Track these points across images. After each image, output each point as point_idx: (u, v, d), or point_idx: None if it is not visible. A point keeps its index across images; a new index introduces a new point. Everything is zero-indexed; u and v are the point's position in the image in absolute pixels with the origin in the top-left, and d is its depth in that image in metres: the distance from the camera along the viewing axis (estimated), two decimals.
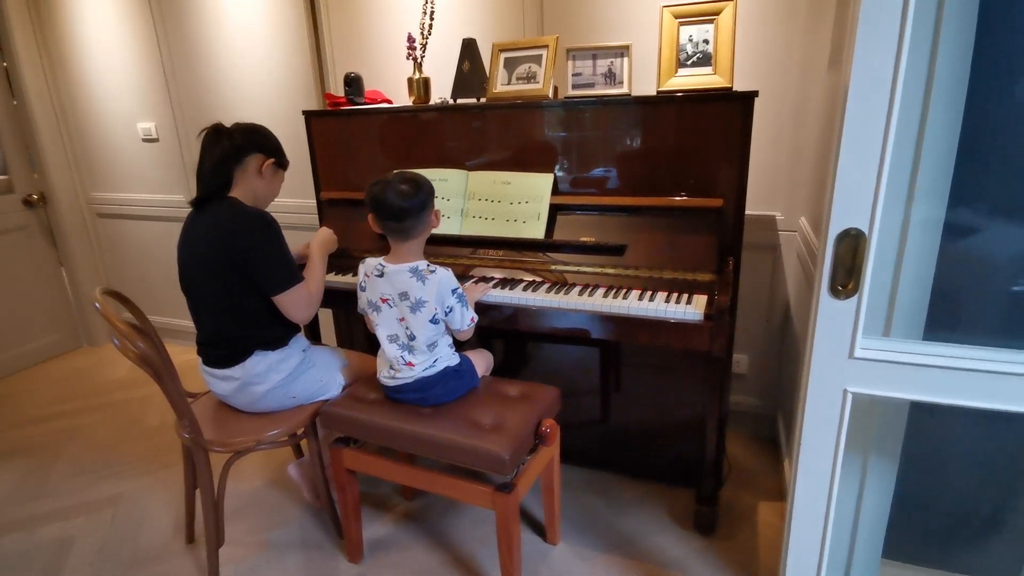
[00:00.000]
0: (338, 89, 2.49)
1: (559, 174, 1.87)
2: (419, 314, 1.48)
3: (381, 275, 1.52)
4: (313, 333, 2.16)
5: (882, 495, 1.32)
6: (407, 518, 1.90)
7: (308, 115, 2.14)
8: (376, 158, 2.10)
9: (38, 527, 1.94)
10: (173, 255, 1.64)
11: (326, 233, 1.80)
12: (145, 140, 3.01)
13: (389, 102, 2.30)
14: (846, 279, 0.98)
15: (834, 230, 0.97)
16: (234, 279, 1.50)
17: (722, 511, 1.87)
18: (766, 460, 2.14)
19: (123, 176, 3.17)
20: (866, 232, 0.95)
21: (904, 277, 1.11)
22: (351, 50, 2.48)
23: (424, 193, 1.48)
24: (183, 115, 2.84)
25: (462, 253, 1.91)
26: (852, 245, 0.96)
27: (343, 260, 1.99)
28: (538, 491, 1.75)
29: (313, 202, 2.27)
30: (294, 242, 2.02)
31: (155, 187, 3.09)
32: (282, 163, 1.67)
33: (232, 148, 1.53)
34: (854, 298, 0.99)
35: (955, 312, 1.18)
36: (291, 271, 1.54)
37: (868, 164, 0.93)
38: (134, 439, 2.45)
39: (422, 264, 1.50)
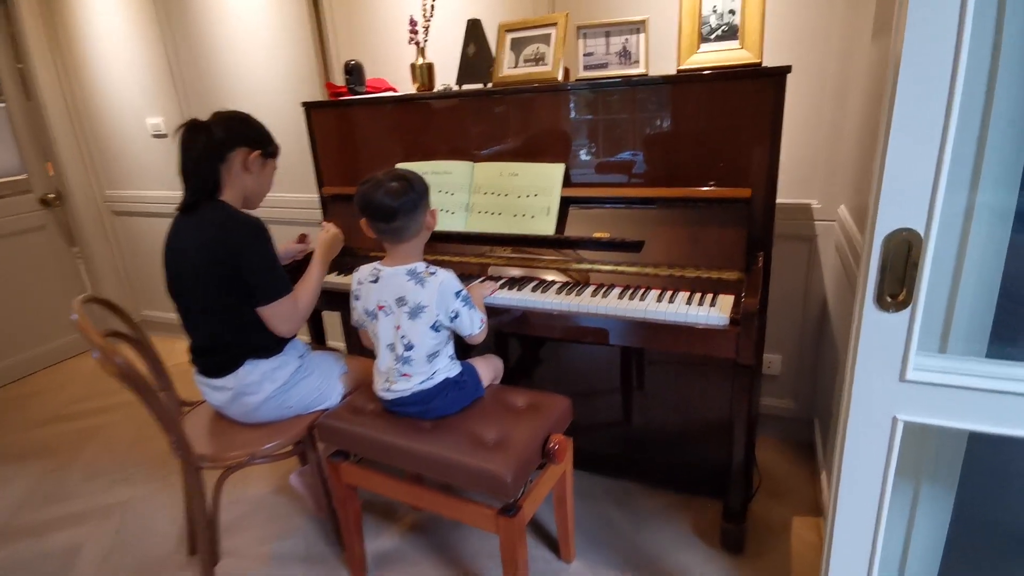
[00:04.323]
0: (342, 78, 2.38)
1: (571, 164, 1.73)
2: (418, 320, 1.37)
3: (376, 280, 1.41)
4: (316, 334, 2.08)
5: (937, 522, 1.16)
6: (415, 529, 1.82)
7: (308, 106, 2.04)
8: (378, 150, 1.99)
9: (49, 533, 1.93)
10: None
11: (331, 232, 1.70)
12: (155, 136, 2.97)
13: (394, 90, 2.18)
14: (896, 288, 0.83)
15: (882, 230, 0.81)
16: (224, 284, 1.42)
17: (752, 526, 1.73)
18: (800, 468, 1.98)
19: (136, 173, 3.14)
20: (922, 232, 0.79)
21: (964, 281, 0.95)
22: (355, 37, 2.36)
23: (416, 192, 1.36)
24: (190, 109, 2.77)
25: (467, 251, 1.80)
26: (904, 247, 0.81)
27: (347, 259, 1.89)
28: (551, 502, 1.64)
29: (316, 196, 2.17)
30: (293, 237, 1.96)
31: (168, 183, 3.05)
32: (269, 152, 1.55)
33: (212, 145, 1.43)
34: (906, 311, 0.83)
35: None
36: (278, 282, 1.45)
37: (925, 149, 0.77)
38: (149, 439, 2.43)
39: (420, 266, 1.39)
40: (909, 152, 0.77)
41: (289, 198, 2.67)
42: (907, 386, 0.87)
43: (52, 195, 3.15)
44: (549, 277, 1.67)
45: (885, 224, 0.80)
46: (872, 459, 0.92)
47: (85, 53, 2.97)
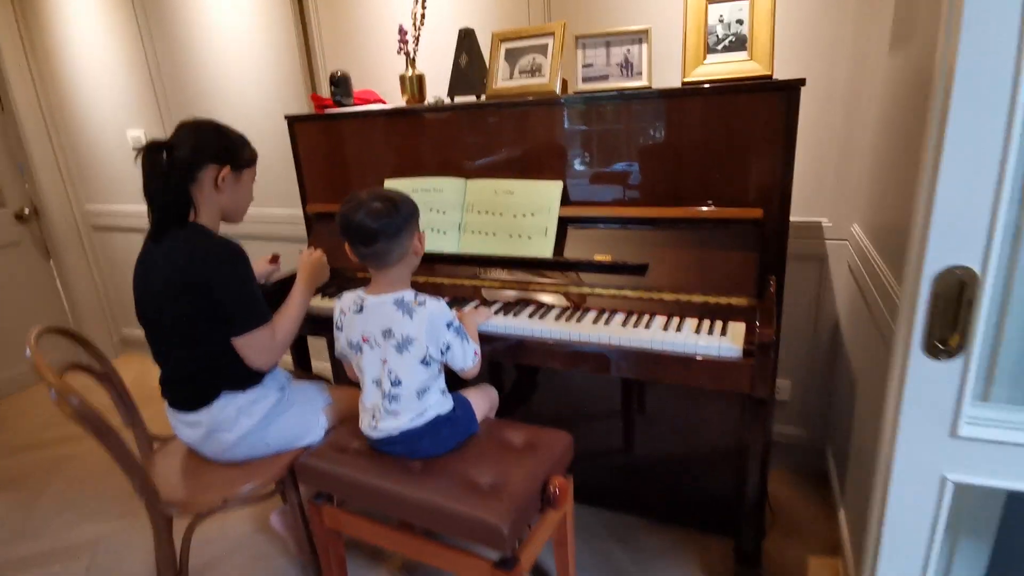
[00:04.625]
0: (328, 90, 2.28)
1: (570, 182, 1.63)
2: (406, 354, 1.26)
3: (360, 310, 1.30)
4: (300, 359, 1.96)
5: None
6: (404, 571, 1.69)
7: (291, 120, 1.93)
8: (366, 165, 1.89)
9: (14, 575, 1.79)
10: None
11: (314, 258, 1.57)
12: (135, 149, 2.84)
13: (383, 103, 2.07)
14: (947, 332, 0.72)
15: (932, 268, 0.71)
16: (196, 315, 1.30)
17: (765, 566, 1.62)
18: (813, 502, 1.87)
19: (116, 187, 3.02)
20: (978, 270, 0.69)
21: (1011, 318, 0.85)
22: (342, 47, 2.26)
23: (401, 214, 1.26)
24: (172, 121, 2.66)
25: (460, 272, 1.69)
26: (956, 287, 0.71)
27: (336, 280, 1.77)
28: (550, 543, 1.52)
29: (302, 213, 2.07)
30: (285, 256, 1.85)
31: None
32: (243, 164, 1.42)
33: (177, 167, 1.31)
34: (958, 358, 0.73)
35: None
36: (255, 311, 1.34)
37: (982, 175, 0.67)
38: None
39: (408, 295, 1.28)
40: (964, 178, 0.67)
41: (274, 214, 2.56)
42: (958, 442, 0.76)
43: (28, 209, 3.02)
44: (547, 301, 1.57)
45: (936, 261, 0.70)
46: (916, 523, 0.81)
47: (63, 62, 2.85)
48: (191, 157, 1.32)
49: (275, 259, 1.79)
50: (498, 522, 1.13)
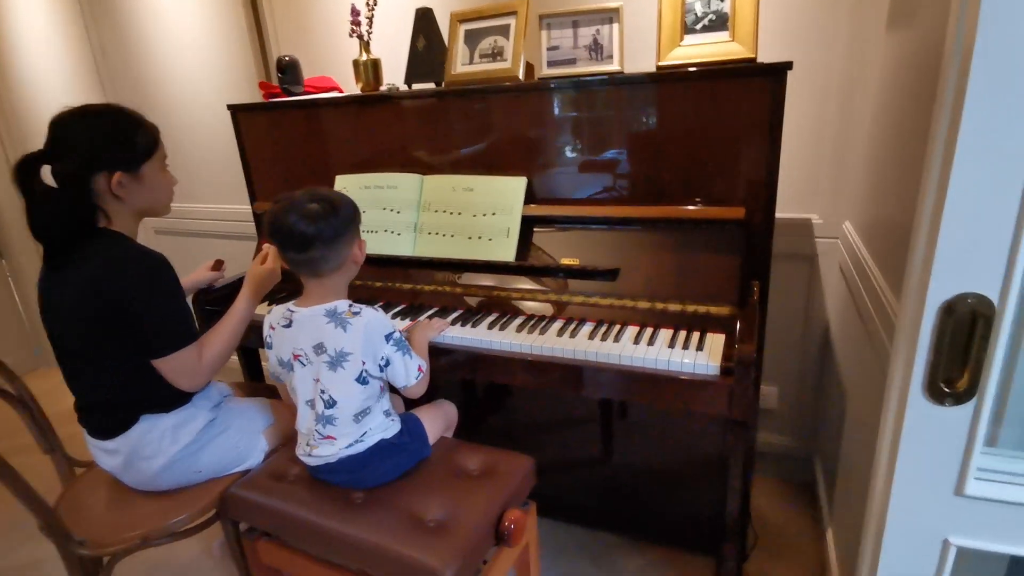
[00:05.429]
0: None
1: (535, 178, 1.48)
2: (340, 371, 1.12)
3: (290, 324, 1.16)
4: (251, 369, 1.81)
5: None
6: None
7: (234, 109, 1.77)
8: (316, 160, 1.73)
9: None
10: None
11: (263, 270, 1.36)
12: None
13: (340, 91, 1.91)
14: (956, 372, 0.59)
15: (938, 295, 0.57)
16: (108, 336, 1.15)
17: None
18: (800, 515, 1.76)
19: None
20: (995, 299, 0.56)
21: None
22: (297, 30, 2.09)
23: (340, 217, 1.11)
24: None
25: (415, 279, 1.54)
26: (967, 319, 0.57)
27: (287, 285, 1.60)
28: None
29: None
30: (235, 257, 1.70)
31: None
32: (137, 162, 1.16)
33: (62, 185, 1.12)
34: (969, 403, 0.59)
35: None
36: (177, 330, 1.18)
37: (1004, 182, 0.53)
38: None
39: (342, 305, 1.14)
40: (981, 187, 0.53)
41: (223, 211, 2.39)
42: (964, 502, 0.63)
43: None
44: (510, 310, 1.43)
45: (943, 288, 0.56)
46: None
47: (3, 54, 2.67)
48: (74, 170, 1.11)
49: (218, 265, 1.63)
50: (439, 566, 1.00)
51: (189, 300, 1.67)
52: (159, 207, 1.27)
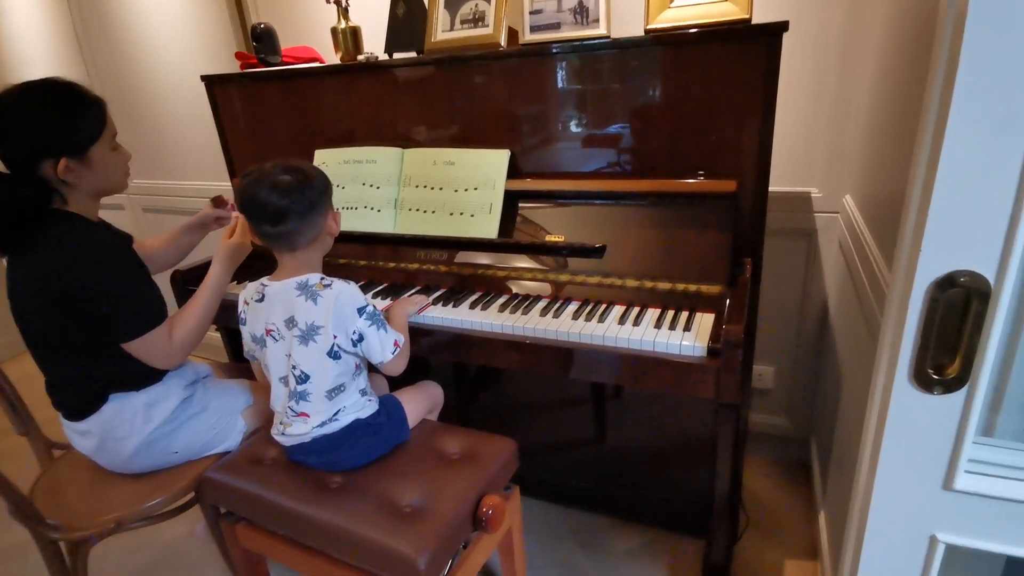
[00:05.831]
0: None
1: (518, 151, 1.42)
2: (312, 345, 1.09)
3: (262, 299, 1.12)
4: (234, 348, 1.77)
5: None
6: None
7: (209, 81, 1.71)
8: (294, 133, 1.67)
9: None
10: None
11: (233, 243, 1.32)
12: None
13: (322, 61, 1.84)
14: (946, 358, 0.54)
15: (928, 272, 0.52)
16: (70, 322, 1.11)
17: (740, 570, 1.48)
18: (794, 497, 1.73)
19: None
20: (991, 277, 0.50)
21: None
22: None
23: (314, 188, 1.07)
24: (104, 94, 2.42)
25: (396, 256, 1.49)
26: (960, 300, 0.52)
27: (258, 261, 1.55)
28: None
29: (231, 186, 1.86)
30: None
31: None
32: (83, 146, 1.11)
33: (11, 170, 1.09)
34: (960, 392, 0.54)
35: None
36: (142, 312, 1.14)
37: (1003, 147, 0.47)
38: None
39: (313, 277, 1.10)
40: (976, 152, 0.47)
41: (209, 188, 2.34)
42: (953, 496, 0.59)
43: None
44: (493, 289, 1.38)
45: (934, 264, 0.51)
46: None
47: None
48: (18, 157, 1.08)
49: (219, 201, 1.50)
50: (412, 553, 0.97)
51: (169, 276, 1.63)
52: (114, 186, 1.22)
